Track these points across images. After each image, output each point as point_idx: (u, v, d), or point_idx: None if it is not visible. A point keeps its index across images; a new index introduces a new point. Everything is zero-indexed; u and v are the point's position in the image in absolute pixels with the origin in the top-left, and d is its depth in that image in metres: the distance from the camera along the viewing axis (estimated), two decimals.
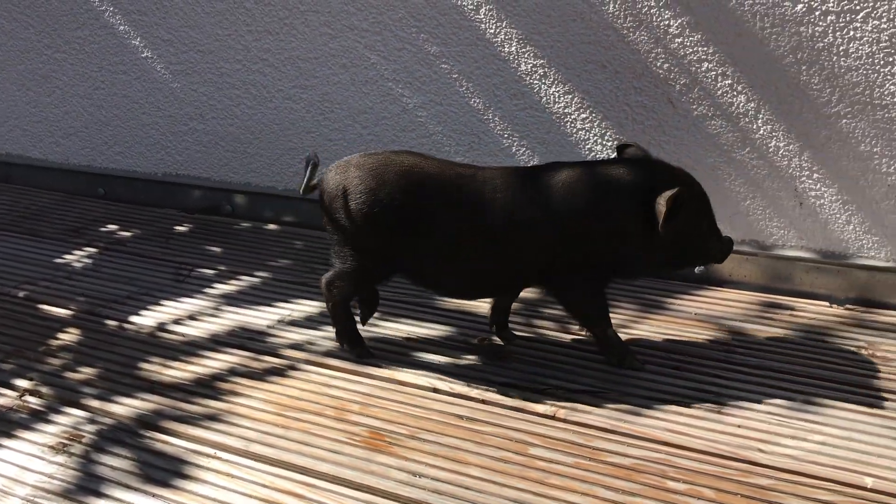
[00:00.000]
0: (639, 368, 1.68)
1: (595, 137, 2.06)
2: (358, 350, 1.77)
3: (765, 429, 1.49)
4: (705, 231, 1.69)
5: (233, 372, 1.73)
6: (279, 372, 1.73)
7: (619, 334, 1.78)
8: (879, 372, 1.65)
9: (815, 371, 1.66)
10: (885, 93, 1.76)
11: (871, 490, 1.33)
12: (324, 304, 1.99)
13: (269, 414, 1.58)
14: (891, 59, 1.74)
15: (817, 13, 1.77)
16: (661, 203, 1.58)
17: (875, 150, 1.81)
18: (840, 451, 1.42)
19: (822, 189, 1.89)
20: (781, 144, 1.89)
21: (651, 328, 1.85)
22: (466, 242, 1.65)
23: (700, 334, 1.81)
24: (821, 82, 1.81)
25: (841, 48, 1.77)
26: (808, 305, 1.92)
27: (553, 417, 1.55)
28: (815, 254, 1.94)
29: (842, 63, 1.78)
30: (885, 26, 1.72)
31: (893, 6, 1.71)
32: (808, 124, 1.85)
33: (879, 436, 1.46)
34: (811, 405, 1.55)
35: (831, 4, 1.75)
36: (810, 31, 1.78)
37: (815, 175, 1.88)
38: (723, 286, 2.02)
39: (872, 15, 1.73)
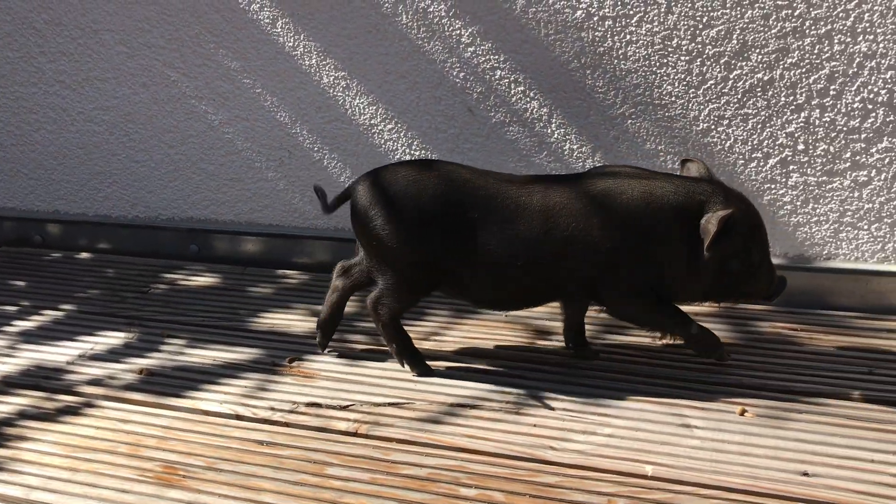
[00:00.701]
0: (725, 359, 1.65)
1: (403, 147, 2.07)
2: (420, 368, 1.70)
3: (558, 426, 1.53)
4: (756, 263, 1.58)
5: (23, 415, 1.64)
6: (74, 411, 1.64)
7: (433, 341, 1.81)
8: (668, 360, 1.72)
9: (612, 364, 1.71)
10: (663, 93, 1.85)
11: (651, 478, 1.38)
12: (127, 335, 1.92)
13: (58, 457, 1.50)
14: (664, 61, 1.82)
15: (595, 18, 1.83)
16: (711, 223, 1.49)
17: (659, 147, 1.90)
18: (625, 442, 1.47)
19: None
20: (575, 147, 1.95)
21: (462, 333, 1.87)
22: (507, 253, 1.58)
23: (508, 336, 1.84)
24: (605, 85, 1.88)
25: (620, 52, 1.84)
26: None
27: (355, 434, 1.54)
28: None
29: (622, 66, 1.85)
30: (657, 29, 1.80)
31: (662, 10, 1.79)
32: (596, 126, 1.92)
33: (663, 423, 1.52)
34: (605, 398, 1.60)
35: (608, 10, 1.82)
36: (591, 36, 1.85)
37: None
38: None
39: (645, 19, 1.81)
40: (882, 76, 1.70)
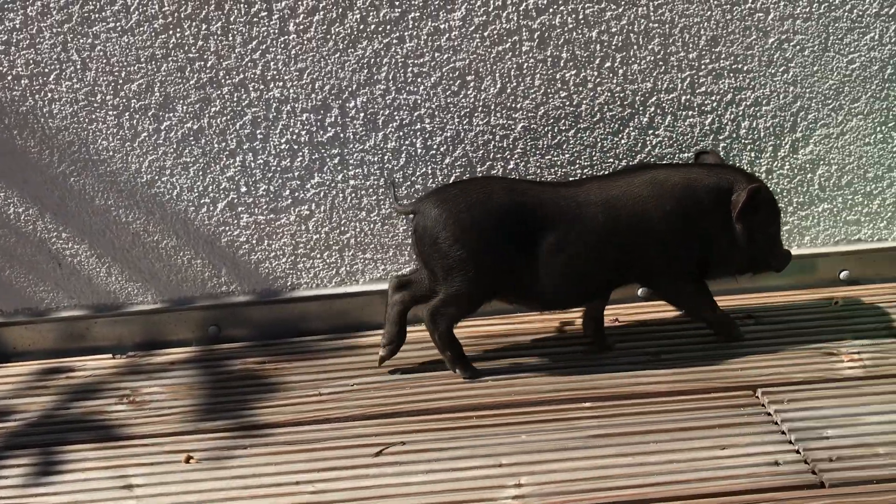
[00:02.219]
0: (741, 337, 1.83)
1: None
2: (471, 371, 1.78)
3: None
4: (774, 235, 1.81)
5: None
6: None
7: None
8: (134, 419, 1.69)
9: (55, 437, 1.63)
10: (100, 149, 1.83)
11: None
12: None
13: None
14: (93, 117, 1.80)
15: (9, 78, 1.76)
16: (743, 194, 1.71)
17: (110, 202, 1.87)
18: None
19: (75, 247, 1.89)
20: (20, 210, 1.85)
21: None
22: (571, 253, 1.72)
23: None
24: (37, 145, 1.81)
25: (45, 110, 1.79)
26: (92, 361, 1.91)
27: None
28: (89, 310, 1.94)
29: (51, 124, 1.80)
30: (78, 86, 1.78)
31: (79, 67, 1.77)
32: (38, 187, 1.84)
33: (105, 489, 1.47)
34: (47, 475, 1.53)
35: (20, 69, 1.76)
36: (9, 96, 1.77)
37: (64, 235, 1.88)
38: (11, 360, 1.92)
39: (62, 76, 1.77)
40: (299, 118, 1.85)
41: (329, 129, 1.85)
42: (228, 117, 1.82)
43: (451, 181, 1.88)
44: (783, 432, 1.54)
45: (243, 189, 1.89)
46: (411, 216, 1.77)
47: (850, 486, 1.40)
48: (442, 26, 1.79)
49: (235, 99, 1.81)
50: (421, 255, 1.75)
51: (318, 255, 1.95)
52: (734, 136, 1.92)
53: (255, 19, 1.78)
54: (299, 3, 1.77)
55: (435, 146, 1.89)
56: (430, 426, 1.61)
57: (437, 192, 1.77)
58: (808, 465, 1.45)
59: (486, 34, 1.81)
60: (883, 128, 1.96)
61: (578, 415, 1.63)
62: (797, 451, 1.49)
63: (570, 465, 1.48)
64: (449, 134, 1.88)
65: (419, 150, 1.89)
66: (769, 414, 1.60)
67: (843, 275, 2.01)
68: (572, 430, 1.58)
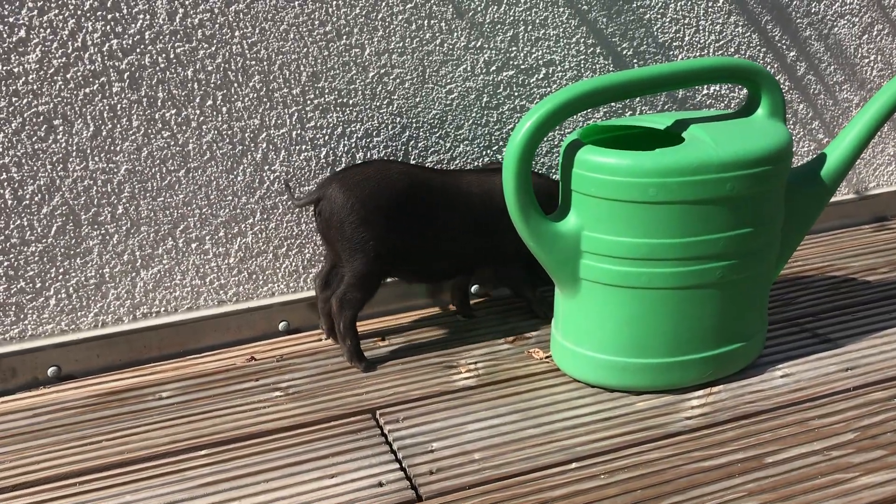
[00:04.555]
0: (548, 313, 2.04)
1: None
2: (367, 363, 1.87)
3: None
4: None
5: None
6: None
7: None
8: None
9: None
10: None
11: None
12: None
13: None
14: None
15: None
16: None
17: None
18: None
19: None
20: None
21: None
22: (449, 233, 1.89)
23: None
24: None
25: None
26: None
27: None
28: None
29: None
30: None
31: None
32: None
33: None
34: None
35: None
36: None
37: None
38: None
39: None
40: None
41: None
42: None
43: (349, 165, 1.96)
44: (393, 452, 1.60)
45: None
46: (314, 203, 1.83)
47: (444, 496, 1.47)
48: (16, 70, 1.67)
49: None
50: (327, 239, 1.85)
51: None
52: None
53: None
54: None
55: (28, 196, 1.75)
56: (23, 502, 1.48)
57: (339, 178, 1.82)
58: (410, 480, 1.52)
59: (68, 76, 1.71)
60: (488, 151, 2.12)
61: (192, 464, 1.57)
62: (402, 469, 1.55)
63: None
64: (42, 182, 1.75)
65: (10, 202, 1.74)
66: (384, 435, 1.65)
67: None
68: (182, 481, 1.52)
